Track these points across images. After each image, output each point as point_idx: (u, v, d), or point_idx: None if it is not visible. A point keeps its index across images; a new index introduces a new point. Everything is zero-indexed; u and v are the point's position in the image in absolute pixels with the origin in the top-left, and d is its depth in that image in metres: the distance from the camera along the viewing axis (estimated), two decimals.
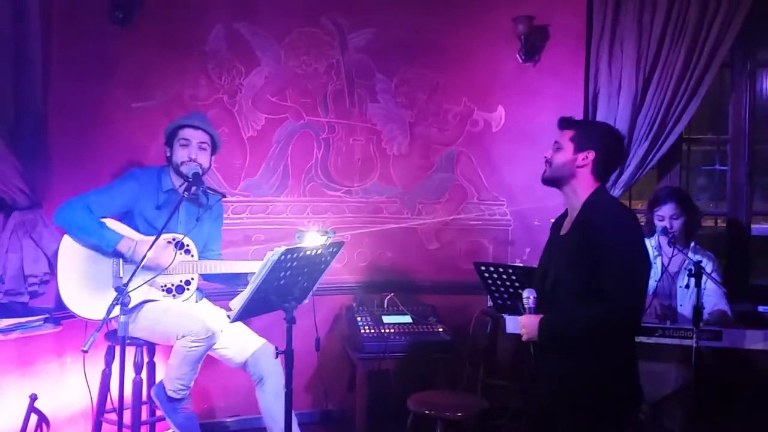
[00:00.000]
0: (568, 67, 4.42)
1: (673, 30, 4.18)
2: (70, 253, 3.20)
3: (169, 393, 3.22)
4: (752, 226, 4.50)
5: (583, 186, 2.48)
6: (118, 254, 3.20)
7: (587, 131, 2.51)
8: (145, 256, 2.91)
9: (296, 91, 4.35)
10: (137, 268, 2.86)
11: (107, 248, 3.18)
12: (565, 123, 2.55)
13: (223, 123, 4.16)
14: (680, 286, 3.66)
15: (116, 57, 3.84)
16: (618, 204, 2.60)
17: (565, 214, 2.61)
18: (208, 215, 3.47)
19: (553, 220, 2.71)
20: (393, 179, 4.56)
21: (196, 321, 3.16)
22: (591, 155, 2.45)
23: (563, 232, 2.53)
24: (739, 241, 4.45)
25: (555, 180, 2.54)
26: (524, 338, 2.46)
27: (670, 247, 3.56)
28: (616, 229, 2.34)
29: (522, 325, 2.48)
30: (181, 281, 3.30)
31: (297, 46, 4.33)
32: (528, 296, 2.47)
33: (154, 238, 2.95)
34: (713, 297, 3.57)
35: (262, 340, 3.43)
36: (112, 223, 3.27)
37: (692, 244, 3.70)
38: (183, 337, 3.14)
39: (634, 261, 2.34)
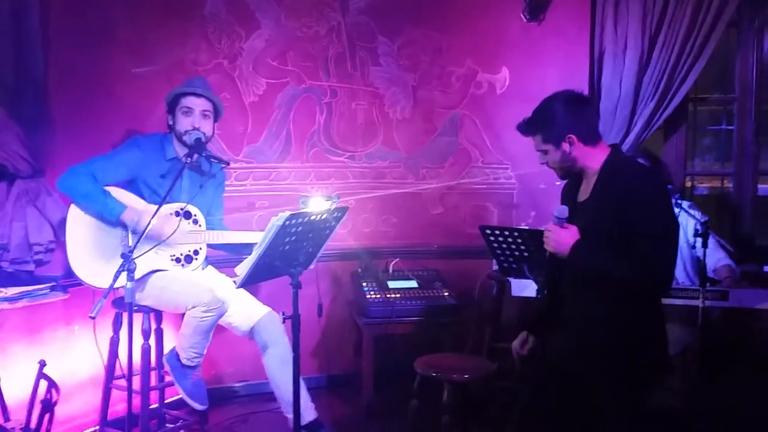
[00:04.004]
0: (574, 26, 4.36)
1: None
2: (79, 221, 3.19)
3: (184, 361, 3.26)
4: (758, 185, 4.48)
5: (592, 157, 2.42)
6: (121, 224, 3.19)
7: (551, 126, 2.42)
8: (149, 224, 2.90)
9: (297, 55, 4.30)
10: (141, 236, 2.87)
11: (110, 217, 3.17)
12: (525, 130, 2.50)
13: (224, 88, 4.11)
14: None
15: (116, 22, 3.77)
16: (640, 164, 2.57)
17: (575, 180, 2.55)
18: (211, 183, 3.46)
19: (559, 184, 2.65)
20: (396, 144, 4.53)
21: (206, 291, 3.17)
22: (573, 137, 2.39)
23: (583, 197, 2.48)
24: (746, 201, 4.43)
25: (570, 173, 2.50)
26: (550, 247, 2.38)
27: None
28: (648, 191, 2.29)
29: (558, 235, 2.37)
30: (189, 251, 3.30)
31: (297, 8, 4.26)
32: (558, 216, 2.38)
33: (157, 207, 2.95)
34: (715, 252, 3.57)
35: (267, 308, 3.44)
36: (117, 192, 3.25)
37: (687, 202, 3.67)
38: (194, 307, 3.15)
39: (669, 222, 2.31)
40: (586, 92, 4.28)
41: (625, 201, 2.27)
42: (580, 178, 2.52)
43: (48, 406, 2.92)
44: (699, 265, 3.45)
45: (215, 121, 3.44)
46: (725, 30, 4.19)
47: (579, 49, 4.35)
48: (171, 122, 3.37)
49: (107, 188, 3.22)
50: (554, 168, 2.51)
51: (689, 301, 3.25)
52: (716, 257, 3.59)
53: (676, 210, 3.60)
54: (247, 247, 3.33)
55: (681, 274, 3.73)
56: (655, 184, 2.34)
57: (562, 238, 2.36)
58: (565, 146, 2.41)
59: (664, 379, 2.50)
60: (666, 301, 3.27)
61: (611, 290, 2.33)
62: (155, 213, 2.92)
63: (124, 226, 3.20)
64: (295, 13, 4.26)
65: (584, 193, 2.48)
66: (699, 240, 3.31)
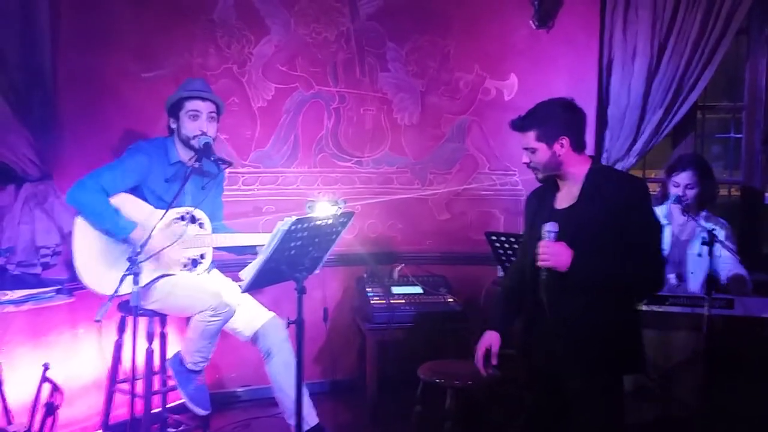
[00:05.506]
0: (582, 33, 4.35)
1: None
2: (87, 230, 3.17)
3: (189, 366, 3.25)
4: (766, 194, 4.45)
5: (576, 164, 2.47)
6: (128, 242, 3.14)
7: (548, 124, 2.44)
8: (154, 227, 2.91)
9: (306, 60, 4.31)
10: (146, 240, 2.86)
11: (119, 236, 3.13)
12: (520, 126, 2.50)
13: (233, 93, 4.13)
14: (690, 254, 3.64)
15: (125, 26, 3.79)
16: (624, 172, 2.66)
17: (546, 189, 2.60)
18: (211, 183, 3.43)
19: (527, 196, 2.75)
20: (404, 149, 4.53)
21: (213, 295, 3.16)
22: (565, 140, 2.43)
23: (564, 204, 2.51)
24: (753, 210, 4.40)
25: (548, 177, 2.55)
26: (548, 263, 2.36)
27: (683, 216, 3.53)
28: (638, 197, 2.38)
29: (553, 252, 2.35)
30: (195, 255, 3.29)
31: (307, 14, 4.27)
32: (550, 230, 2.37)
33: (163, 213, 2.97)
34: (729, 263, 3.55)
35: (271, 314, 3.43)
36: (125, 198, 3.23)
37: (704, 212, 3.65)
38: (201, 311, 3.14)
39: (658, 226, 2.46)
40: (594, 99, 4.29)
41: (616, 207, 2.34)
42: (554, 185, 2.56)
43: (51, 409, 2.94)
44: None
45: (217, 121, 3.43)
46: (735, 38, 4.17)
47: (588, 56, 4.34)
48: (174, 126, 3.34)
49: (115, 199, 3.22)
50: (536, 169, 2.53)
51: (694, 309, 3.23)
52: (729, 267, 3.56)
53: (686, 219, 3.58)
54: (250, 249, 3.33)
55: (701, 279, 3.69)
56: (643, 191, 2.41)
57: (562, 252, 2.36)
58: (557, 147, 2.44)
59: (642, 370, 2.59)
60: (672, 308, 3.29)
61: (609, 294, 2.37)
62: (162, 218, 2.93)
63: (129, 243, 3.14)
64: (305, 19, 4.27)
65: (565, 200, 2.51)
66: (706, 249, 3.30)
